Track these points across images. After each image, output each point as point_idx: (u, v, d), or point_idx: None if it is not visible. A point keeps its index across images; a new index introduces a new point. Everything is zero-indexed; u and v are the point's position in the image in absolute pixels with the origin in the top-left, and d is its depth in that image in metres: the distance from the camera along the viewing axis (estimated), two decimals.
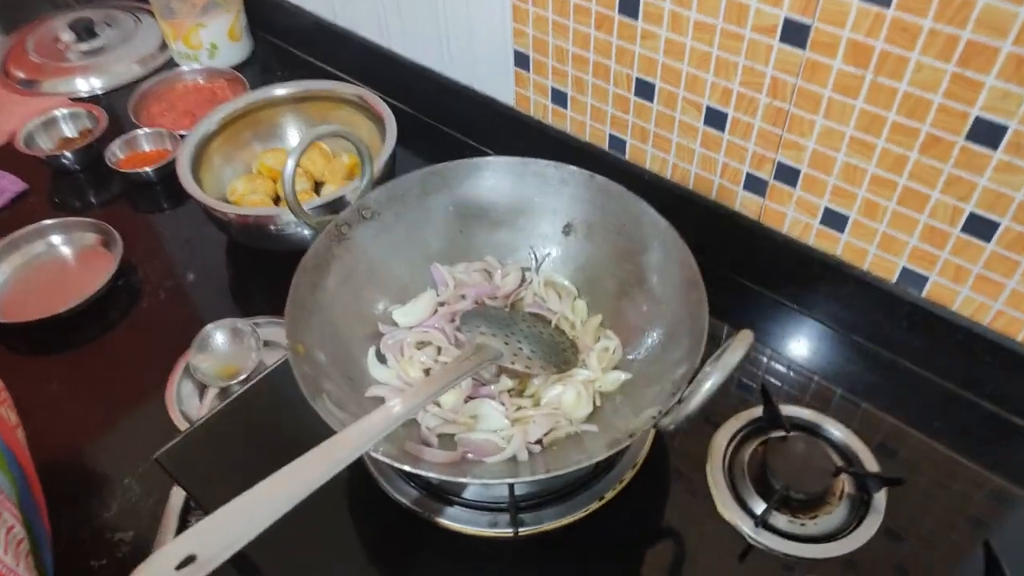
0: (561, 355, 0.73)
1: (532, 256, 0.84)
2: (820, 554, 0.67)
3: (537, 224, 0.83)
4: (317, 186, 1.12)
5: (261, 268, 1.06)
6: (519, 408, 0.72)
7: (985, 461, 0.78)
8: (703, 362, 0.63)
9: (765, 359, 0.89)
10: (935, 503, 0.74)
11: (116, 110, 1.31)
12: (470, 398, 0.72)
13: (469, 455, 0.68)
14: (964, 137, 0.72)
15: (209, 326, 0.93)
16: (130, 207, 1.17)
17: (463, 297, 0.80)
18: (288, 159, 0.71)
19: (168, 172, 1.15)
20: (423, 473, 0.59)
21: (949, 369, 0.85)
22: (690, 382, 0.62)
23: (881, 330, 0.89)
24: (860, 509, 0.70)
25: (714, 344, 0.62)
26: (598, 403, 0.72)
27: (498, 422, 0.70)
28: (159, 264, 1.08)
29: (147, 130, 1.22)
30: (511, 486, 0.67)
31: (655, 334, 0.72)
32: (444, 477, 0.58)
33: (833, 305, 0.91)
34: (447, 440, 0.70)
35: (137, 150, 1.22)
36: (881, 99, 0.75)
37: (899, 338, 0.88)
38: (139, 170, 1.16)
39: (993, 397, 0.83)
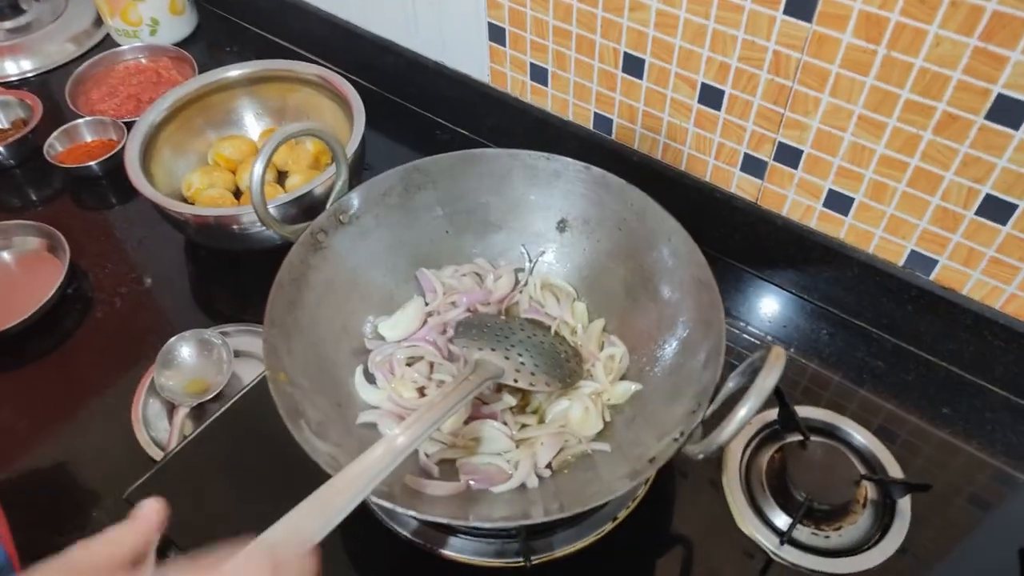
0: (564, 367, 0.68)
1: (525, 256, 0.78)
2: (848, 568, 0.64)
3: (530, 221, 0.77)
4: (280, 176, 1.04)
5: (225, 269, 0.99)
6: (523, 427, 0.67)
7: (998, 449, 0.76)
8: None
9: (764, 345, 0.86)
10: (957, 498, 0.72)
11: (51, 96, 1.20)
12: (471, 419, 0.67)
13: (473, 483, 0.63)
14: (984, 116, 0.67)
15: (173, 339, 0.86)
16: (75, 205, 1.07)
17: (453, 304, 0.74)
18: (255, 164, 0.64)
19: (114, 165, 1.06)
20: (429, 518, 0.53)
21: (957, 354, 0.83)
22: (711, 400, 0.57)
23: (886, 314, 0.85)
24: (884, 516, 0.67)
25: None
26: (608, 418, 0.67)
27: (502, 444, 0.65)
28: (112, 268, 0.99)
29: (88, 118, 1.12)
30: None
31: (666, 341, 0.67)
32: (451, 521, 0.53)
33: (836, 289, 0.88)
34: (448, 466, 0.65)
35: (78, 141, 1.11)
36: (894, 76, 0.70)
37: (905, 322, 0.84)
38: (82, 164, 1.06)
39: (1003, 382, 0.81)
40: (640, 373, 0.69)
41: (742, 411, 0.49)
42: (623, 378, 0.70)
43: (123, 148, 0.96)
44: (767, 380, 0.50)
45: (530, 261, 0.78)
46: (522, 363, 0.65)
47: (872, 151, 0.76)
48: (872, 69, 0.71)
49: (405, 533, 0.67)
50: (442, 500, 0.60)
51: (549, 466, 0.64)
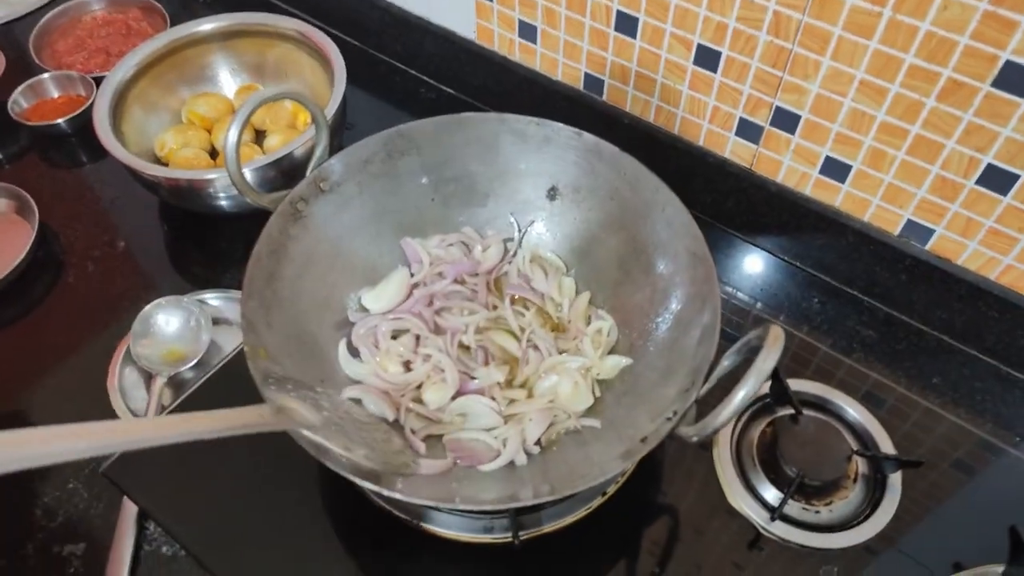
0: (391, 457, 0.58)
1: (515, 225, 0.75)
2: (839, 543, 0.64)
3: (518, 189, 0.74)
4: (258, 136, 1.00)
5: (203, 230, 0.95)
6: (511, 402, 0.65)
7: (987, 419, 0.76)
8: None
9: (754, 313, 0.85)
10: (947, 470, 0.71)
11: (15, 48, 1.15)
12: (458, 394, 0.65)
13: (460, 461, 0.61)
14: (990, 83, 0.65)
15: (149, 306, 0.83)
16: (43, 164, 1.03)
17: (440, 275, 0.71)
18: (229, 130, 0.60)
19: (83, 122, 1.01)
20: (414, 500, 0.52)
21: (949, 323, 0.82)
22: (706, 378, 0.56)
23: (879, 283, 0.84)
24: (875, 491, 0.67)
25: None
26: (598, 393, 0.66)
27: (490, 419, 0.63)
28: (83, 230, 0.96)
29: (54, 73, 1.07)
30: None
31: (659, 316, 0.65)
32: (438, 504, 0.51)
33: (829, 257, 0.86)
34: (435, 442, 0.63)
35: (44, 97, 1.06)
36: (899, 39, 0.67)
37: (898, 291, 0.83)
38: (50, 122, 1.01)
39: (994, 352, 0.80)
40: (631, 348, 0.67)
41: (739, 394, 0.48)
42: (613, 352, 0.68)
43: (92, 105, 0.91)
44: (766, 362, 0.48)
45: (519, 231, 0.75)
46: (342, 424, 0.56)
47: (872, 117, 0.73)
48: (876, 32, 0.68)
49: (388, 507, 0.65)
50: (428, 479, 0.59)
51: (539, 443, 0.63)
